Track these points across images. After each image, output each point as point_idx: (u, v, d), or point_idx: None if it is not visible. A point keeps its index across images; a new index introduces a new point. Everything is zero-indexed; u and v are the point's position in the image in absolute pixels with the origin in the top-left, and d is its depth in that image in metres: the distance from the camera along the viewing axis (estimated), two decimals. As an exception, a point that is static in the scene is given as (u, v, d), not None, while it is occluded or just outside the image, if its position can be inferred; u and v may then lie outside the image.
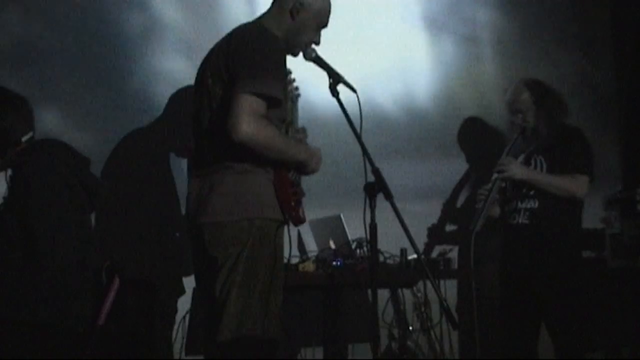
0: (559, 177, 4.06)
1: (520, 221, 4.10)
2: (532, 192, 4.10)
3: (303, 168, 3.07)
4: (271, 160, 2.96)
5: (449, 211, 5.00)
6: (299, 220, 3.08)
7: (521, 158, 4.16)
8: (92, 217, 3.53)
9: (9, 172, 3.30)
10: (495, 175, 4.09)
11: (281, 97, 2.96)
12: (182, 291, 4.34)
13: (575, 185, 4.07)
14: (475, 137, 5.02)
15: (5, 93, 3.38)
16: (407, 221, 2.83)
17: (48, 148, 3.30)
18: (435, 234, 4.93)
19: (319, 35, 3.20)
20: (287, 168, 3.03)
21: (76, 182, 3.29)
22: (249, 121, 2.83)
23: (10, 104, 3.34)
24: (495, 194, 4.10)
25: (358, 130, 2.96)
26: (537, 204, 4.08)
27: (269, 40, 3.01)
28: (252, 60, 2.91)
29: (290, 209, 3.02)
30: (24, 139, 3.33)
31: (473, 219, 4.09)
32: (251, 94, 2.86)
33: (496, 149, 4.50)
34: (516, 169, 4.07)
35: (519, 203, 4.12)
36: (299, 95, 3.28)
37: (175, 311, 4.32)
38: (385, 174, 2.84)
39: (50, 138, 3.42)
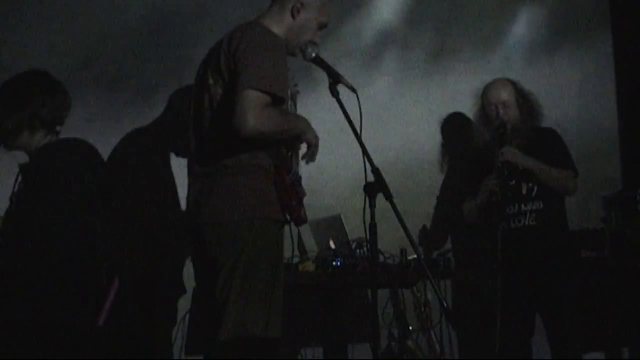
0: (559, 170, 4.10)
1: (527, 223, 4.11)
2: (534, 193, 4.12)
3: (302, 136, 3.07)
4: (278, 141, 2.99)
5: (440, 212, 4.99)
6: (300, 220, 3.08)
7: None
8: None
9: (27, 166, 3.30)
10: (498, 164, 4.09)
11: (284, 95, 2.97)
12: (182, 291, 4.34)
13: (571, 180, 4.14)
14: (457, 132, 4.99)
15: (57, 81, 3.37)
16: (407, 221, 2.83)
17: (72, 148, 3.30)
18: (427, 235, 4.92)
19: (318, 35, 3.20)
20: (287, 169, 3.04)
21: (93, 185, 3.29)
22: (255, 115, 2.83)
23: (62, 91, 3.34)
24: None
25: (358, 130, 2.96)
26: (542, 205, 4.11)
27: (270, 39, 3.01)
28: (255, 59, 2.91)
29: (292, 209, 3.02)
30: (57, 128, 3.34)
31: (497, 212, 4.09)
32: (255, 89, 2.86)
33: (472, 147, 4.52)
34: (522, 158, 4.09)
35: (523, 205, 4.13)
36: (297, 92, 3.28)
37: (175, 311, 4.32)
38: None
39: (76, 137, 3.41)
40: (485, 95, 4.28)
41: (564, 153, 4.20)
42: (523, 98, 4.23)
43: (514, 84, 4.28)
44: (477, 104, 4.35)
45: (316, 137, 3.09)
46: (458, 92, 4.86)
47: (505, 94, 4.22)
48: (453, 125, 5.01)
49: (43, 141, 3.27)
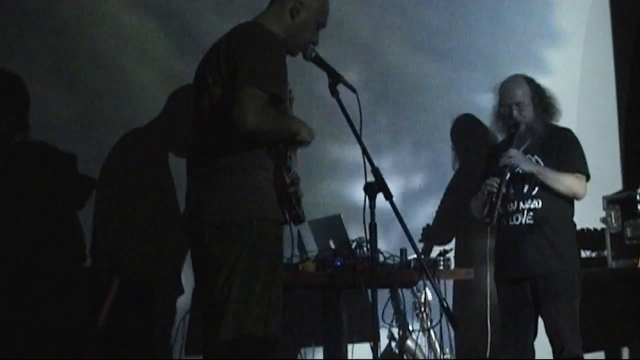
0: (564, 174, 4.08)
1: (524, 221, 4.10)
2: (534, 192, 4.11)
3: (296, 137, 3.06)
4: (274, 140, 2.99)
5: (443, 211, 4.99)
6: (299, 220, 3.08)
7: None
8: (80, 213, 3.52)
9: None
10: (502, 165, 4.08)
11: (283, 94, 2.97)
12: (182, 291, 4.34)
13: (579, 184, 4.10)
14: (467, 134, 5.00)
15: (20, 77, 3.30)
16: (407, 221, 2.83)
17: (39, 150, 3.25)
18: (430, 234, 4.93)
19: (317, 35, 3.20)
20: (286, 169, 3.03)
21: (57, 183, 3.26)
22: (254, 113, 2.83)
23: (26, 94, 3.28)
24: (503, 188, 4.10)
25: (358, 130, 2.96)
26: (540, 204, 4.10)
27: (270, 39, 3.01)
28: (255, 58, 2.91)
29: (291, 209, 3.02)
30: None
31: (489, 212, 4.08)
32: (254, 87, 2.86)
33: (486, 146, 4.52)
34: (524, 162, 4.08)
35: (522, 203, 4.12)
36: (292, 98, 3.29)
37: (175, 311, 4.31)
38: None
39: (41, 140, 3.36)
40: (500, 95, 4.25)
41: (576, 155, 4.14)
42: (539, 96, 4.20)
43: (529, 82, 4.24)
44: (495, 99, 4.31)
45: (312, 135, 3.09)
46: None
47: (520, 94, 4.17)
48: (464, 125, 5.00)
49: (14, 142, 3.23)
